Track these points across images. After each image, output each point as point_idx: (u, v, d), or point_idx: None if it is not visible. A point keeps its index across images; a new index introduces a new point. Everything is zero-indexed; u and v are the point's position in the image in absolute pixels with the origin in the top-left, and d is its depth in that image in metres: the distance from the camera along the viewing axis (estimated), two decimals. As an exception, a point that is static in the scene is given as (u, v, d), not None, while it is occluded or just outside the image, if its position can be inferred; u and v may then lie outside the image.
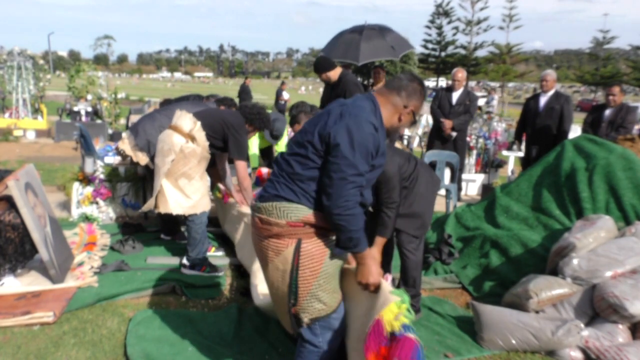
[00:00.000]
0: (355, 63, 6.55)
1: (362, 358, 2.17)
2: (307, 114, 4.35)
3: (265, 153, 6.59)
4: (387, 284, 2.27)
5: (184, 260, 4.35)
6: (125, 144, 4.93)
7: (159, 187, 4.20)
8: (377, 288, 2.25)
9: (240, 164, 4.31)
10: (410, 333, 2.04)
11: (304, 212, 2.22)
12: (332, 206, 2.13)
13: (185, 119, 4.19)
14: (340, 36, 7.08)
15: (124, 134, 5.38)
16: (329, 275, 2.29)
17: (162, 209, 4.23)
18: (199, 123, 4.15)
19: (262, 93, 40.72)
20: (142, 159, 4.82)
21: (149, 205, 4.34)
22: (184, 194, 4.18)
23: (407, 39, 7.82)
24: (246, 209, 4.41)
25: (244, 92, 18.71)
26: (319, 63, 5.42)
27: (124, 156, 5.11)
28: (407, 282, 3.78)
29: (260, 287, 3.39)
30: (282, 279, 2.29)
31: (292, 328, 2.39)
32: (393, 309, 2.09)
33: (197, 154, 4.15)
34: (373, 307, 2.22)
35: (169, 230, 5.19)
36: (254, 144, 6.32)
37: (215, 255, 4.75)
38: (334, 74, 5.29)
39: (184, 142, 4.11)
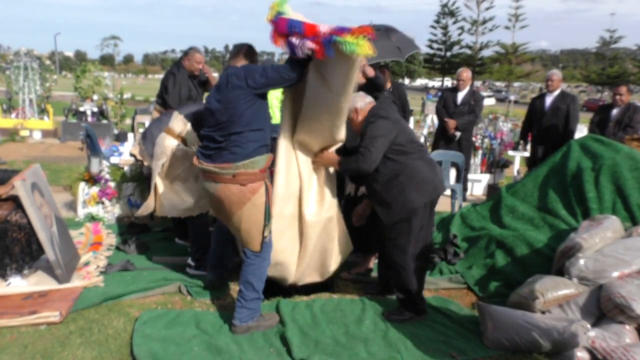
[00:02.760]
0: None
1: None
2: None
3: None
4: None
5: (189, 261, 4.36)
6: (135, 149, 4.96)
7: (152, 190, 4.22)
8: None
9: None
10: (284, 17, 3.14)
11: (265, 161, 3.30)
12: (293, 79, 3.24)
13: (177, 121, 4.17)
14: None
15: (130, 135, 5.41)
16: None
17: (159, 212, 4.25)
18: (189, 124, 4.11)
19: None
20: (149, 160, 4.83)
21: (145, 208, 4.35)
22: (178, 196, 4.18)
23: (413, 38, 7.79)
24: None
25: None
26: None
27: (136, 159, 5.15)
28: (400, 288, 3.77)
29: None
30: (258, 211, 3.27)
31: (259, 246, 3.35)
32: (273, 5, 3.21)
33: (190, 156, 4.07)
34: None
35: (182, 233, 5.11)
36: None
37: None
38: None
39: (175, 144, 4.10)
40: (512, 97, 21.15)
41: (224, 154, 3.22)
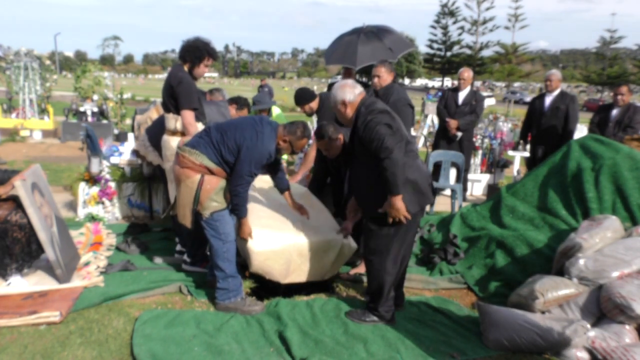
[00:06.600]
0: (353, 67, 6.52)
1: None
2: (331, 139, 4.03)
3: None
4: None
5: (185, 257, 4.39)
6: (140, 145, 4.95)
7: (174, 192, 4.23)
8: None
9: (187, 113, 4.17)
10: None
11: (209, 163, 3.65)
12: (235, 187, 3.62)
13: (168, 119, 4.26)
14: (339, 39, 7.05)
15: (131, 135, 5.38)
16: (221, 190, 3.71)
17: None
18: (179, 119, 4.20)
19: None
20: (155, 160, 4.81)
21: (173, 209, 4.34)
22: None
23: (414, 38, 7.78)
24: None
25: None
26: (300, 96, 5.11)
27: (138, 156, 5.13)
28: (369, 290, 3.70)
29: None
30: (189, 192, 3.69)
31: (191, 223, 3.77)
32: None
33: None
34: None
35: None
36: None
37: None
38: (315, 104, 5.09)
39: (179, 140, 4.16)
40: (528, 99, 21.25)
41: (199, 142, 3.72)
